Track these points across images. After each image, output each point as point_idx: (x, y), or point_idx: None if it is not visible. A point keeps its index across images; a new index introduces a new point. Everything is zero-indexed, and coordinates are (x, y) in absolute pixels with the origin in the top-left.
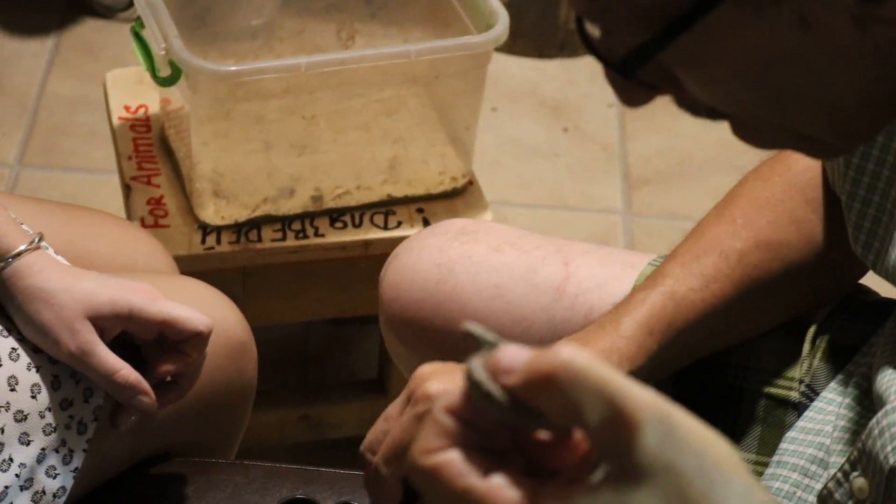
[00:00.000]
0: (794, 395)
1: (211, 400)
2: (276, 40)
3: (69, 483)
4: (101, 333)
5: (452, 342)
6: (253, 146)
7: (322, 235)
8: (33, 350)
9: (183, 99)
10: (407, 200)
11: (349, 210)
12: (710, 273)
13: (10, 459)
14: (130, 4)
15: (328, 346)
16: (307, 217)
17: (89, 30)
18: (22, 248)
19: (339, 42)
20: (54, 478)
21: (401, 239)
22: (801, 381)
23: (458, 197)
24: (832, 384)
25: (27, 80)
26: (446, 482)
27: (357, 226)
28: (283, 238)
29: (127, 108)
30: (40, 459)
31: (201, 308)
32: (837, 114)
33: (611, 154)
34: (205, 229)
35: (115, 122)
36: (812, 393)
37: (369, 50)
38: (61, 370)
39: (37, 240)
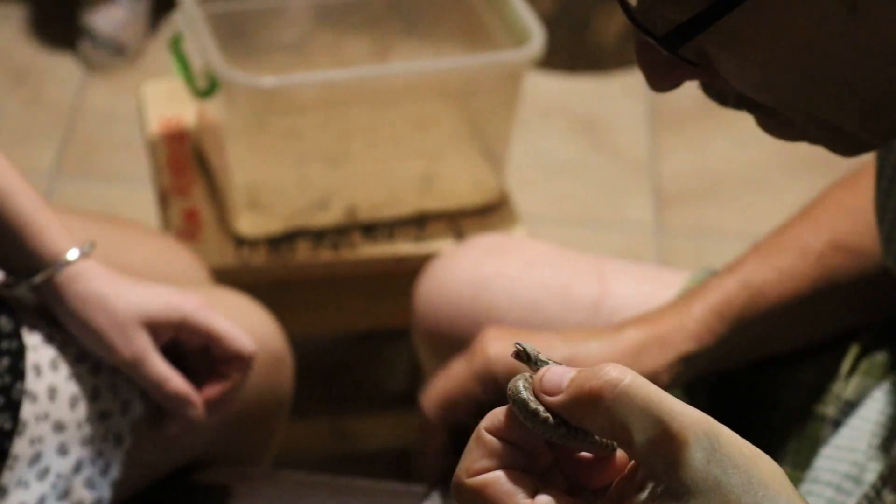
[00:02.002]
0: (831, 411)
1: (247, 410)
2: (311, 54)
3: (106, 494)
4: (153, 339)
5: None
6: (288, 159)
7: (355, 249)
8: (75, 360)
9: (219, 111)
10: (440, 215)
11: (382, 224)
12: (788, 268)
13: (47, 469)
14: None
15: (359, 358)
16: (341, 231)
17: None
18: (76, 253)
19: (373, 56)
20: (91, 488)
21: (433, 253)
22: (838, 397)
23: (491, 212)
24: (869, 401)
25: (63, 91)
26: (493, 502)
27: (390, 240)
28: (317, 252)
29: (163, 120)
30: (77, 470)
31: (239, 319)
32: (873, 106)
33: (642, 171)
34: (239, 242)
35: (151, 133)
36: (849, 409)
37: (404, 64)
38: (101, 381)
39: (88, 247)
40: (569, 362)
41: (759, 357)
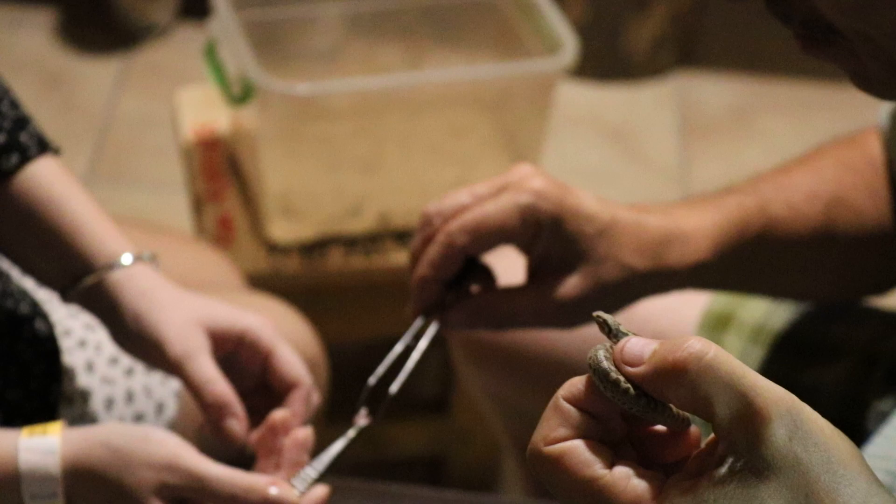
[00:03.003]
0: (865, 421)
1: None
2: (345, 62)
3: None
4: (215, 344)
5: (524, 361)
6: (321, 166)
7: (387, 256)
8: (108, 363)
9: (253, 118)
10: None
11: (415, 231)
12: (798, 208)
13: None
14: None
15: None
16: (373, 237)
17: (156, 49)
18: (133, 256)
19: (406, 64)
20: None
21: None
22: (871, 407)
23: None
24: None
25: (96, 97)
26: (571, 471)
27: None
28: (349, 258)
29: (197, 127)
30: None
31: (275, 323)
32: None
33: (672, 179)
34: (272, 248)
35: (185, 140)
36: (882, 418)
37: (437, 72)
38: (135, 384)
39: (148, 255)
40: (598, 234)
41: (756, 293)
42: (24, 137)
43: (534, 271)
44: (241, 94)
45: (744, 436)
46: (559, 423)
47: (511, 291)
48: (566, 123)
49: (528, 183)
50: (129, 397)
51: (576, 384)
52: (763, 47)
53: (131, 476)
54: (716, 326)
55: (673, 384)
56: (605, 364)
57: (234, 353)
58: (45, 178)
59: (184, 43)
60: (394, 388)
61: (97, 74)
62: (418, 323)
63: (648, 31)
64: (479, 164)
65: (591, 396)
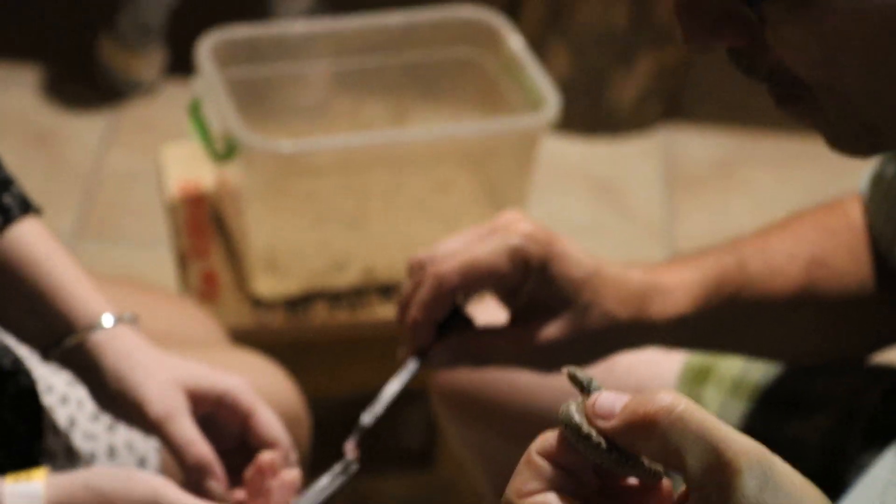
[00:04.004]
0: (847, 474)
1: None
2: (330, 118)
3: None
4: (195, 404)
5: (502, 415)
6: (306, 222)
7: (372, 311)
8: (90, 419)
9: (238, 175)
10: None
11: (399, 285)
12: (778, 267)
13: None
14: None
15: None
16: (358, 292)
17: (142, 106)
18: (114, 318)
19: (391, 120)
20: None
21: None
22: (852, 460)
23: None
24: (882, 461)
25: (83, 154)
26: None
27: None
28: (334, 313)
29: (182, 183)
30: None
31: (256, 380)
32: None
33: (658, 233)
34: (257, 303)
35: (170, 196)
36: (862, 471)
37: (421, 129)
38: (117, 439)
39: (129, 316)
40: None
41: (737, 352)
42: (6, 199)
43: (518, 314)
44: (225, 151)
45: (715, 487)
46: (531, 477)
47: (494, 331)
48: (551, 177)
49: (517, 226)
50: (112, 452)
51: (548, 438)
52: (748, 101)
53: None
54: (695, 379)
55: (644, 437)
56: (577, 418)
57: (214, 414)
58: (27, 239)
59: (170, 99)
60: (367, 419)
61: (84, 131)
62: (412, 365)
63: (633, 85)
64: (463, 219)
65: (563, 450)
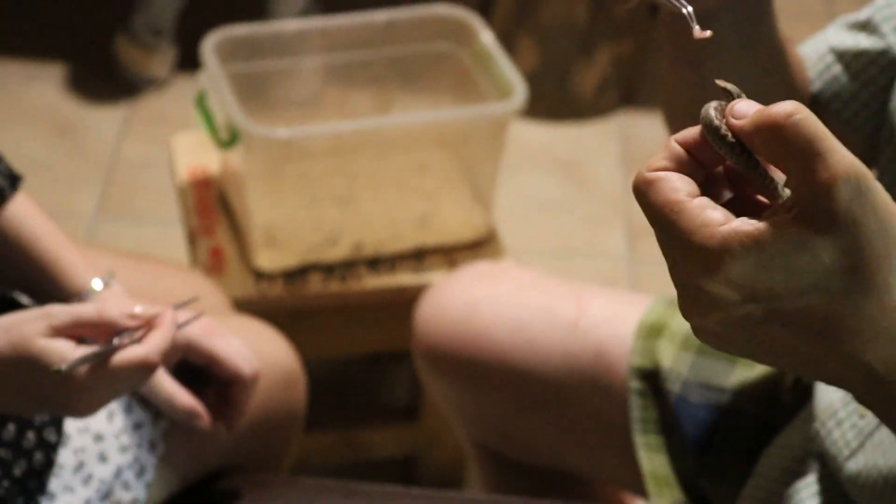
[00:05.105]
0: (777, 416)
1: (265, 423)
2: (322, 108)
3: (141, 494)
4: (164, 359)
5: (479, 372)
6: (301, 201)
7: (361, 281)
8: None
9: (240, 160)
10: (436, 249)
11: (385, 258)
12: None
13: (90, 476)
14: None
15: (366, 378)
16: (349, 265)
17: (155, 99)
18: (100, 284)
19: (376, 109)
20: (128, 490)
21: (431, 283)
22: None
23: (482, 246)
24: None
25: (103, 143)
26: (659, 193)
27: (392, 272)
28: (328, 284)
29: (190, 168)
30: (117, 475)
31: (256, 343)
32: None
33: (617, 207)
34: (259, 275)
35: (180, 180)
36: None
37: (403, 116)
38: (133, 395)
39: (108, 277)
40: None
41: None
42: None
43: None
44: (228, 139)
45: (810, 190)
46: (664, 157)
47: None
48: (521, 158)
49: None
50: (129, 408)
51: (690, 132)
52: None
53: (16, 334)
54: (650, 335)
55: (766, 137)
56: (715, 116)
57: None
58: (20, 216)
59: (180, 92)
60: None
61: (103, 122)
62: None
63: (593, 74)
64: (441, 197)
65: (698, 142)
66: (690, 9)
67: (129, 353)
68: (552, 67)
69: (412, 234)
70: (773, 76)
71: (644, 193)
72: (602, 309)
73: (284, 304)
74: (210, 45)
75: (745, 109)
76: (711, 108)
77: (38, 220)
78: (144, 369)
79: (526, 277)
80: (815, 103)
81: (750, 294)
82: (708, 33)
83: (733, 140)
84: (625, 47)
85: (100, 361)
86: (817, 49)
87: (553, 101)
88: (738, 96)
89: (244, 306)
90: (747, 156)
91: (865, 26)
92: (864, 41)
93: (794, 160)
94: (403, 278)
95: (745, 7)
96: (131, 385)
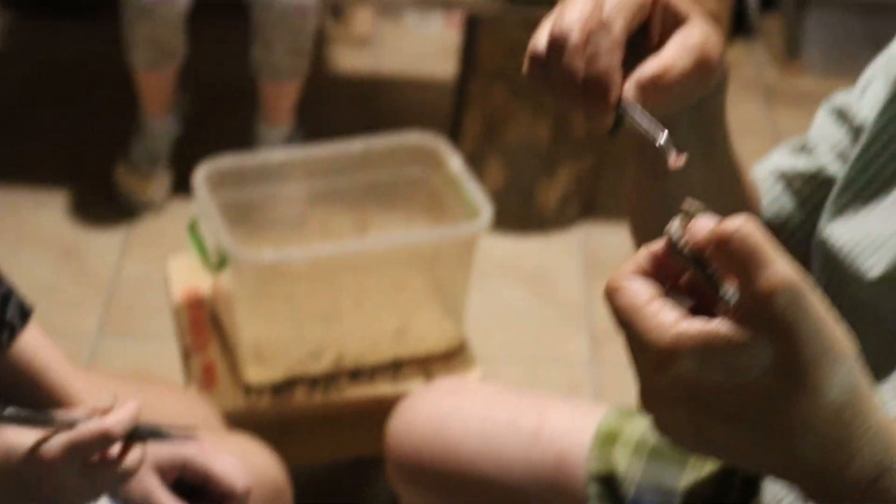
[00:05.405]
0: None
1: None
2: (306, 230)
3: None
4: (161, 478)
5: (448, 482)
6: (286, 319)
7: (343, 392)
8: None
9: (229, 282)
10: (412, 360)
11: (365, 369)
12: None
13: None
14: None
15: (349, 482)
16: (331, 376)
17: (153, 222)
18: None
19: (355, 231)
20: None
21: (408, 392)
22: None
23: (454, 356)
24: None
25: (104, 264)
26: (621, 298)
27: (371, 383)
28: (312, 395)
29: (184, 289)
30: None
31: (246, 458)
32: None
33: (579, 314)
34: (248, 389)
35: (175, 301)
36: None
37: (380, 237)
38: None
39: (111, 402)
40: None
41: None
42: (10, 313)
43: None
44: (218, 263)
45: (752, 297)
46: (632, 266)
47: (667, 57)
48: (490, 270)
49: None
50: None
51: (656, 243)
52: None
53: None
54: (605, 441)
55: (716, 249)
56: (676, 230)
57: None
58: (30, 349)
59: (175, 215)
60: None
61: (104, 244)
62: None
63: (556, 190)
64: (416, 312)
65: (663, 253)
66: (666, 136)
67: (89, 425)
68: (518, 184)
69: (389, 346)
70: (732, 192)
71: (611, 298)
72: (562, 419)
73: (272, 415)
74: (201, 175)
75: (704, 225)
76: (675, 223)
77: (48, 351)
78: (105, 440)
79: (490, 392)
80: (766, 221)
81: (696, 390)
82: (682, 162)
83: (690, 253)
84: (584, 164)
85: (61, 437)
86: (766, 171)
87: (519, 215)
88: (701, 211)
89: (235, 418)
90: (702, 267)
91: (804, 148)
92: (802, 162)
93: (739, 270)
94: (382, 388)
95: (700, 113)
96: (106, 482)
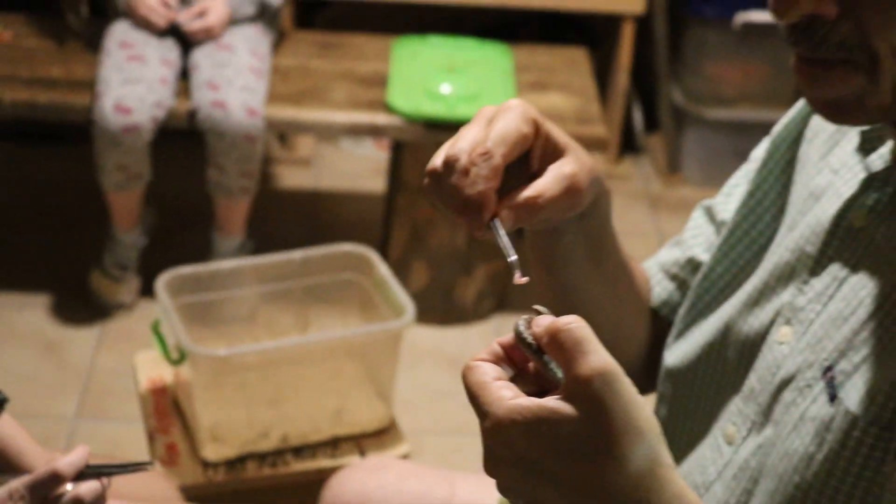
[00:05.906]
0: None
1: None
2: (255, 327)
3: None
4: None
5: None
6: (239, 404)
7: (288, 466)
8: None
9: (188, 373)
10: (348, 438)
11: (307, 447)
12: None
13: None
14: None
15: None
16: (278, 453)
17: (124, 320)
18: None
19: (297, 328)
20: None
21: (345, 465)
22: None
23: (384, 433)
24: None
25: (82, 357)
26: (472, 376)
27: (313, 458)
28: (261, 469)
29: (150, 379)
30: None
31: None
32: None
33: None
34: (206, 465)
35: (142, 389)
36: None
37: (319, 334)
38: None
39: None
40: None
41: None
42: None
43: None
44: (178, 358)
45: (573, 380)
46: (485, 352)
47: (540, 185)
48: (417, 357)
49: (511, 104)
50: None
51: (508, 336)
52: None
53: None
54: None
55: (549, 340)
56: (522, 325)
57: None
58: (4, 436)
59: (144, 314)
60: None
61: (81, 340)
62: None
63: (473, 287)
64: (350, 396)
65: (512, 343)
66: (515, 258)
67: (40, 469)
68: (440, 283)
69: (328, 426)
70: (620, 285)
71: (465, 375)
72: (470, 491)
73: (227, 487)
74: (162, 282)
75: (543, 321)
76: (521, 320)
77: (20, 438)
78: (56, 479)
79: (408, 468)
80: (656, 307)
81: (526, 453)
82: (525, 280)
83: (531, 343)
84: (497, 265)
85: (18, 479)
86: (653, 265)
87: (441, 309)
88: (546, 313)
89: (194, 490)
90: (540, 354)
91: (678, 242)
92: (677, 253)
93: (565, 357)
94: (322, 462)
95: (586, 222)
96: None
